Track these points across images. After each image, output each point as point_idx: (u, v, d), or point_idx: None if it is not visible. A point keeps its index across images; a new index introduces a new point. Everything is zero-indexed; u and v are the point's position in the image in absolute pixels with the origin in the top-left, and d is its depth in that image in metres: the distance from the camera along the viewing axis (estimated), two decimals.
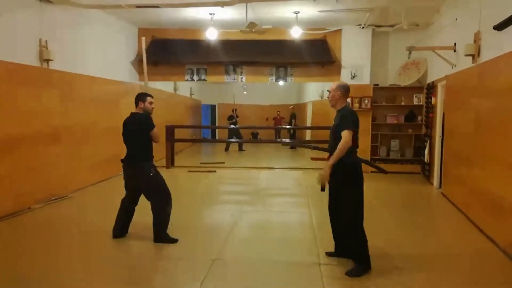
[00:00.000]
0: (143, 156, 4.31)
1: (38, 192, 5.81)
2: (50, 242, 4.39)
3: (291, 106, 17.14)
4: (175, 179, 8.60)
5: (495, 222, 4.42)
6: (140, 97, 4.36)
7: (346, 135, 3.48)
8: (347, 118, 3.57)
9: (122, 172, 4.36)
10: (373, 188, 7.59)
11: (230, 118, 14.55)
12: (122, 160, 4.36)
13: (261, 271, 3.64)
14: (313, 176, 8.94)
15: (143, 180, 4.28)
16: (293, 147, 14.96)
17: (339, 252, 3.87)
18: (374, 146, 9.13)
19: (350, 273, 3.50)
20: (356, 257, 3.62)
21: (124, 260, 3.92)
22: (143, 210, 4.48)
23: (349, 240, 3.68)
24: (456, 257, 4.04)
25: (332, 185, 3.68)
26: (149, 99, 4.36)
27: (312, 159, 4.35)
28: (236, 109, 15.18)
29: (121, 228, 4.42)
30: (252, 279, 3.49)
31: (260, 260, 3.91)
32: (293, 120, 15.88)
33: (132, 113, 4.42)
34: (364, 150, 9.01)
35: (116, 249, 4.20)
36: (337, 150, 3.48)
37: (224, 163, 10.64)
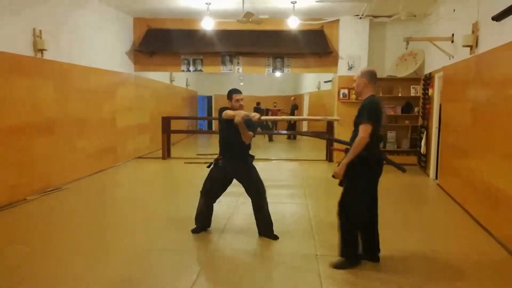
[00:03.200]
0: (220, 149, 4.26)
1: (33, 183, 5.77)
2: (45, 233, 4.36)
3: (293, 97, 17.13)
4: (172, 170, 8.58)
5: (491, 213, 4.43)
6: (227, 95, 4.15)
7: (362, 129, 3.19)
8: (364, 110, 3.25)
9: None
10: None
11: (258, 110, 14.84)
12: None
13: (257, 262, 3.64)
14: (308, 167, 8.98)
15: None
16: (293, 137, 15.17)
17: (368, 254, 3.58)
18: None
19: (335, 265, 3.45)
20: (340, 250, 3.48)
21: (119, 252, 3.90)
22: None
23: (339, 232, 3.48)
24: (452, 250, 4.04)
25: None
26: (234, 96, 4.07)
27: (335, 149, 4.13)
28: (259, 102, 15.66)
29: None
30: (249, 270, 3.48)
31: (257, 251, 3.91)
32: (295, 111, 15.82)
33: None
34: None
35: (112, 241, 4.19)
36: (352, 147, 3.24)
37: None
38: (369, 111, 3.24)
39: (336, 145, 3.73)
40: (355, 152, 3.22)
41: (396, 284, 3.21)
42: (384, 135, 9.14)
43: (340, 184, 3.46)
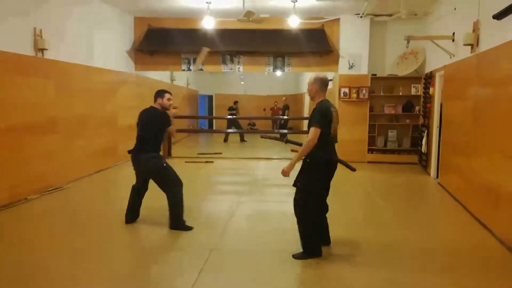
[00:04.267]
0: (153, 148, 4.40)
1: (34, 182, 5.78)
2: (46, 232, 4.37)
3: (284, 98, 17.23)
4: None
5: (492, 212, 4.43)
6: (159, 93, 4.52)
7: (311, 132, 3.46)
8: (314, 114, 3.54)
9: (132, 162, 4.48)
10: (370, 178, 7.60)
11: (230, 109, 14.61)
12: (130, 151, 4.44)
13: (258, 261, 3.65)
14: None
15: (154, 170, 4.37)
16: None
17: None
18: (371, 136, 9.11)
19: (295, 256, 3.66)
20: (302, 244, 3.71)
21: (119, 252, 3.91)
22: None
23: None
24: (454, 248, 4.04)
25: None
26: (167, 95, 4.50)
27: (292, 151, 4.16)
28: (237, 101, 15.31)
29: (132, 213, 4.57)
30: (249, 268, 3.49)
31: (257, 250, 3.91)
32: (286, 111, 15.96)
33: (151, 107, 4.55)
34: (361, 141, 9.03)
35: (112, 241, 4.19)
36: (302, 147, 3.51)
37: (221, 153, 10.64)
38: (318, 115, 3.50)
39: (292, 146, 4.14)
40: (302, 153, 3.50)
41: (392, 279, 3.22)
42: (385, 134, 9.15)
43: (294, 184, 3.68)
